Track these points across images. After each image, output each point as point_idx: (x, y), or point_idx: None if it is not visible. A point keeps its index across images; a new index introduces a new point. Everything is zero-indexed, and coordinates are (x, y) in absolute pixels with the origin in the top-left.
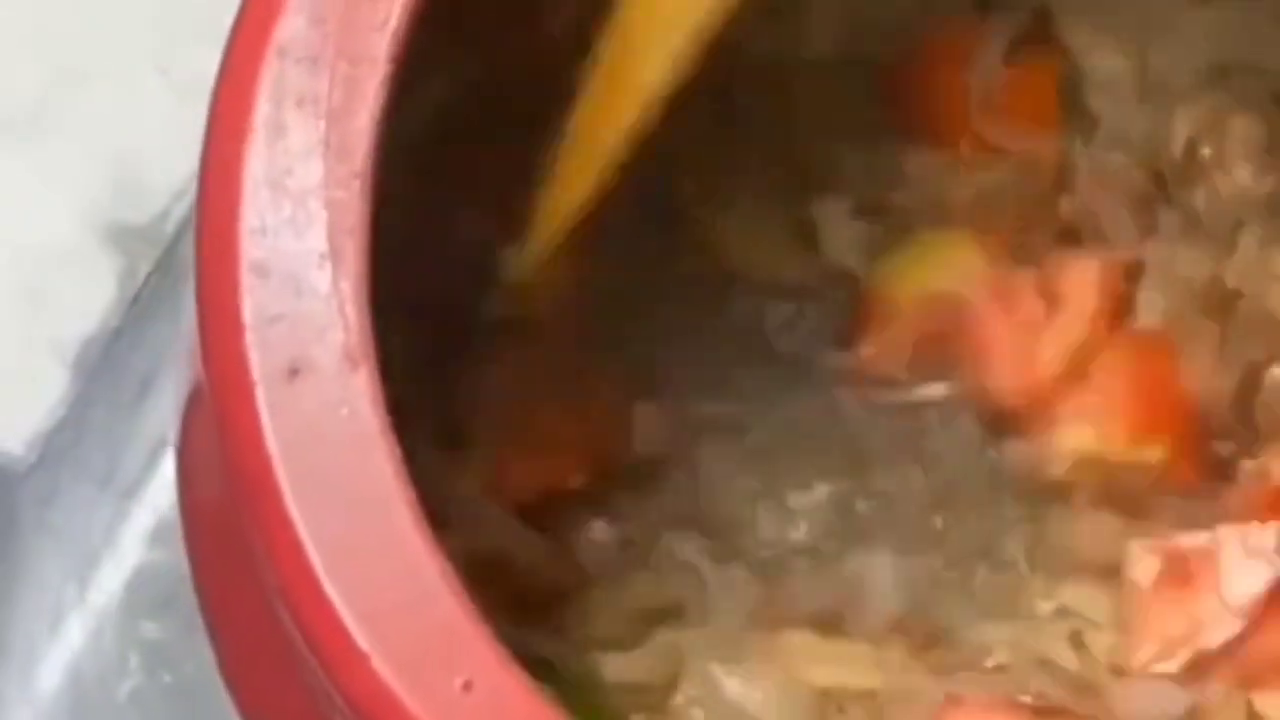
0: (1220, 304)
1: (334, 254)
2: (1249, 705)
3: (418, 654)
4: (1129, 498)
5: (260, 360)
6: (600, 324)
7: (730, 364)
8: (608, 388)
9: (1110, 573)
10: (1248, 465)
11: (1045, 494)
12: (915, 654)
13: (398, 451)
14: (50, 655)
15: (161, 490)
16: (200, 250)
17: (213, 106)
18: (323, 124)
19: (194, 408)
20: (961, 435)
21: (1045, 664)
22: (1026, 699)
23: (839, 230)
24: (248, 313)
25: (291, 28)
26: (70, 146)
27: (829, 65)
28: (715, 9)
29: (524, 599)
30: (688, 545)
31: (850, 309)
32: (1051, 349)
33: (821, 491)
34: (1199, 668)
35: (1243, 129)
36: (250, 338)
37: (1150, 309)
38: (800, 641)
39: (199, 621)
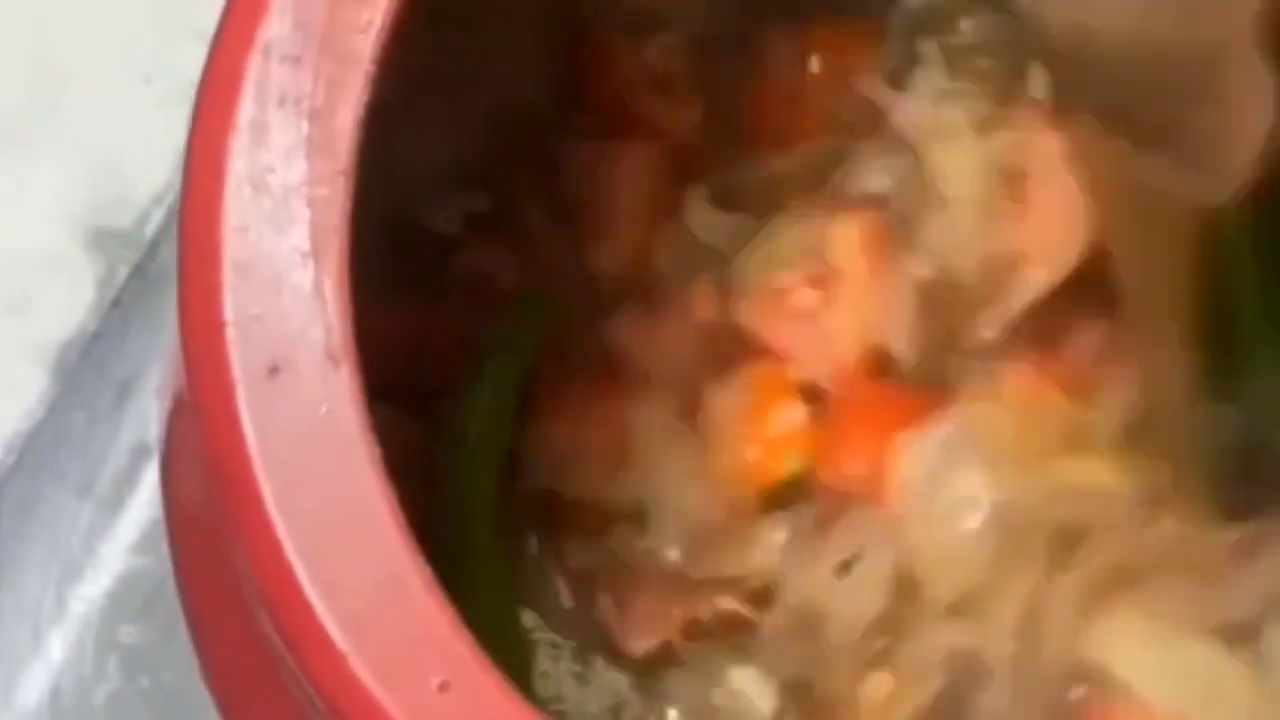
0: None
1: (316, 252)
2: None
3: (396, 655)
4: None
5: (241, 358)
6: None
7: None
8: None
9: None
10: None
11: None
12: None
13: (378, 450)
14: (29, 659)
15: (141, 495)
16: (182, 248)
17: (196, 105)
18: (305, 123)
19: (177, 411)
20: None
21: None
22: None
23: None
24: (229, 311)
25: (275, 28)
26: (50, 151)
27: None
28: None
29: None
30: None
31: None
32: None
33: None
34: None
35: None
36: (231, 335)
37: None
38: None
39: (178, 626)
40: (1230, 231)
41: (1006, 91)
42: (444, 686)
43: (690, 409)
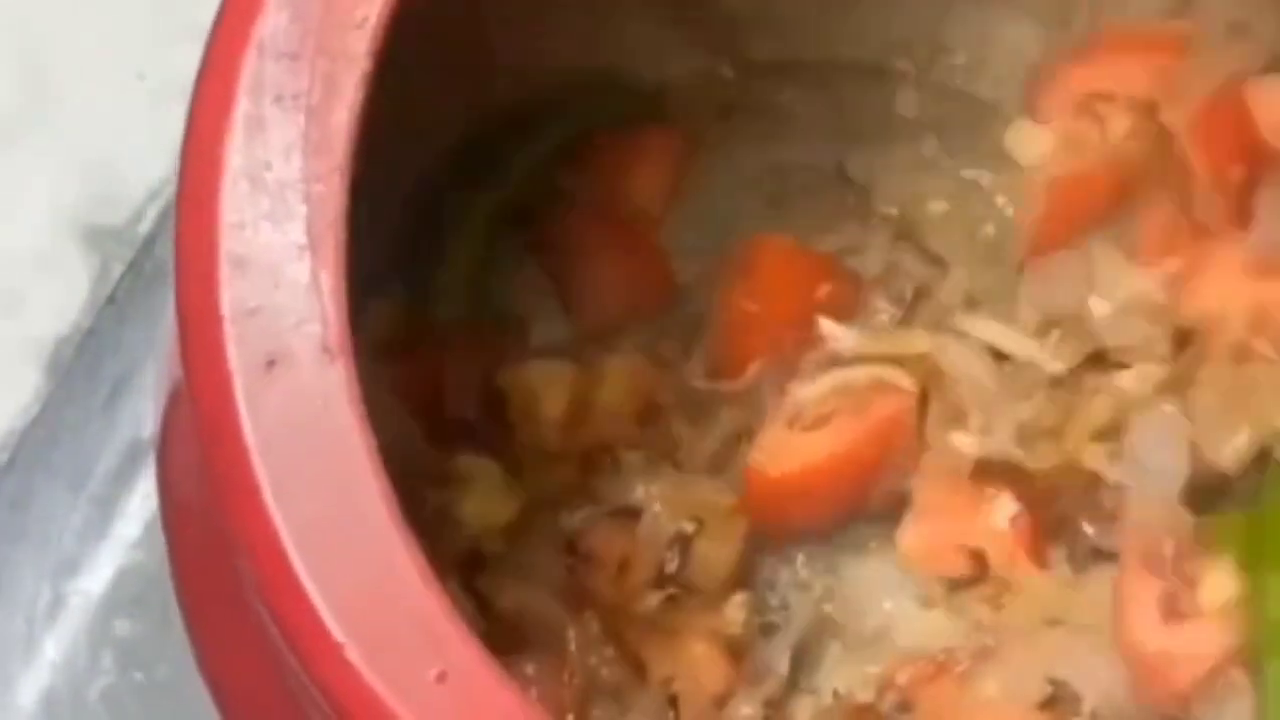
0: None
1: (313, 247)
2: None
3: (393, 645)
4: None
5: (238, 351)
6: None
7: None
8: None
9: None
10: None
11: None
12: None
13: (373, 442)
14: (24, 655)
15: (135, 491)
16: (180, 243)
17: (193, 101)
18: (302, 119)
19: (175, 405)
20: None
21: None
22: None
23: None
24: (226, 304)
25: (272, 25)
26: (44, 149)
27: None
28: None
29: None
30: None
31: None
32: None
33: None
34: None
35: None
36: (229, 329)
37: None
38: None
39: (172, 621)
40: None
41: None
42: (441, 677)
43: None
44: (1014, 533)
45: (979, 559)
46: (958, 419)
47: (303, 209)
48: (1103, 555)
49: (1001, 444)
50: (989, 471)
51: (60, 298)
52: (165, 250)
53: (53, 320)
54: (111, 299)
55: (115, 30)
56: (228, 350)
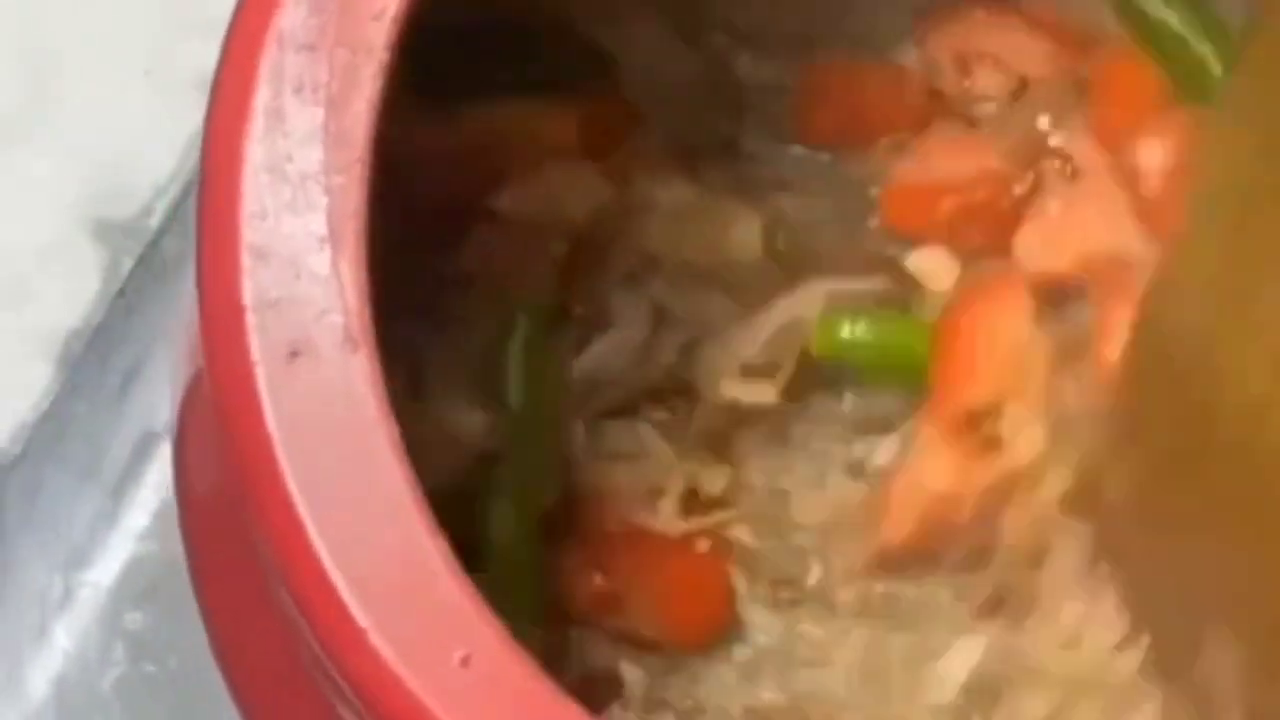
0: None
1: (333, 238)
2: None
3: (416, 630)
4: None
5: (260, 342)
6: None
7: None
8: None
9: None
10: None
11: None
12: None
13: (396, 431)
14: (35, 646)
15: (145, 482)
16: (201, 234)
17: (213, 93)
18: (322, 111)
19: (192, 396)
20: None
21: None
22: None
23: None
24: (248, 295)
25: (291, 16)
26: (55, 142)
27: None
28: None
29: None
30: None
31: None
32: None
33: None
34: None
35: None
36: (250, 320)
37: None
38: None
39: (184, 611)
40: None
41: None
42: (465, 661)
43: None
44: None
45: None
46: None
47: (324, 200)
48: None
49: None
50: None
51: (70, 291)
52: (174, 244)
53: (63, 314)
54: (121, 292)
55: (123, 25)
56: (250, 341)
